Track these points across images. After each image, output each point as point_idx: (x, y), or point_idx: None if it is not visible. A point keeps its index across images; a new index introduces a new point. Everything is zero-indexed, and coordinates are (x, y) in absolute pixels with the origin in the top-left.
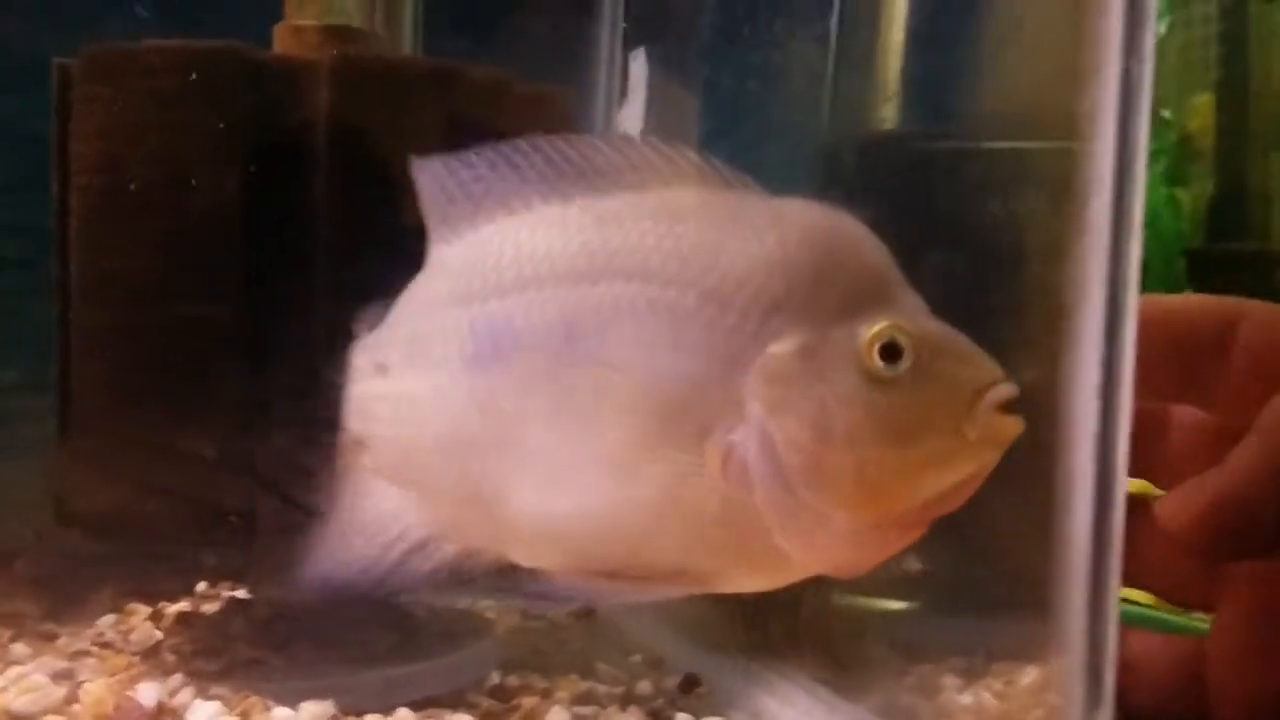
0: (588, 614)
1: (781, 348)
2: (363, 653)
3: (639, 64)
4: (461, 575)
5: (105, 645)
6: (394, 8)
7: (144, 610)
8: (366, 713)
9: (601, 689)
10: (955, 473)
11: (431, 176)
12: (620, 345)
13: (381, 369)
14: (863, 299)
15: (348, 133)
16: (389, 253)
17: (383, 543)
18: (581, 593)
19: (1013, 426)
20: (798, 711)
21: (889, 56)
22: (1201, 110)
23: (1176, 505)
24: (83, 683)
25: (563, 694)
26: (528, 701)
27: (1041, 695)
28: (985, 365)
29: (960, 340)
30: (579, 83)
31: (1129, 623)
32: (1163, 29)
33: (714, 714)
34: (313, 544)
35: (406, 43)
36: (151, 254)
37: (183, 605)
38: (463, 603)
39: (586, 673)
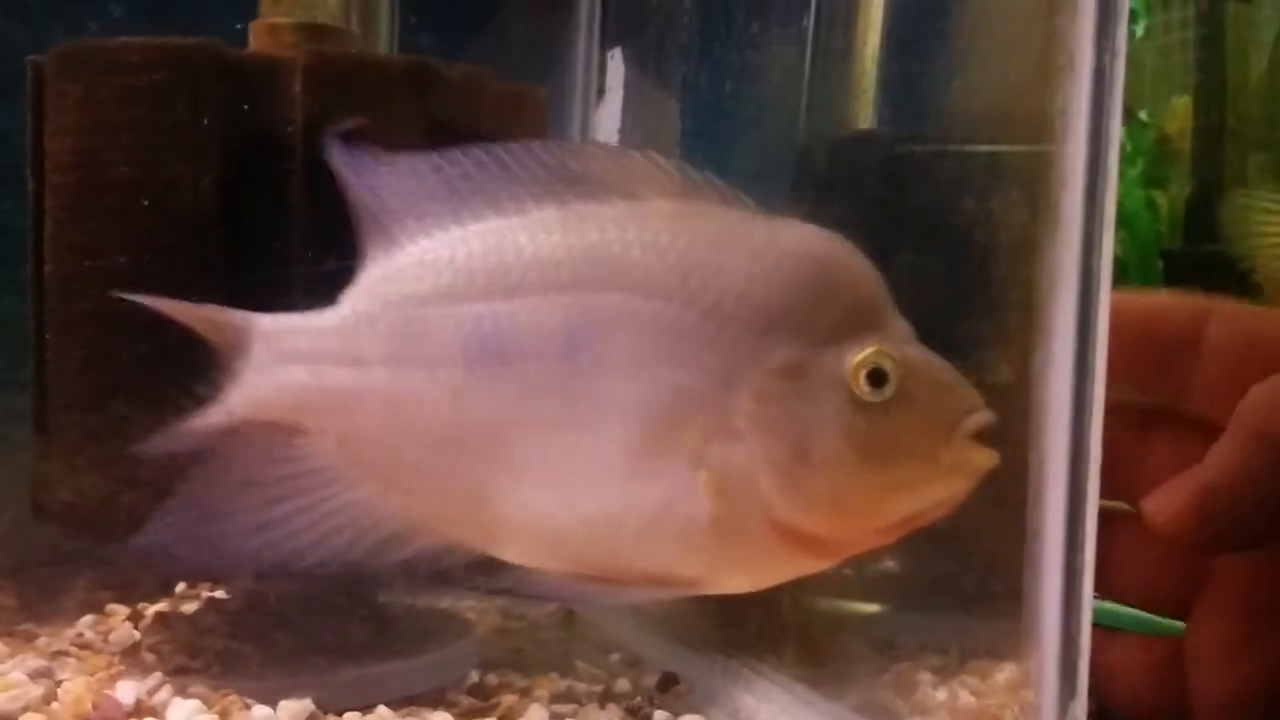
0: (567, 614)
1: (774, 367)
2: (342, 650)
3: (616, 63)
4: (436, 568)
5: (84, 646)
6: (370, 6)
7: (123, 611)
8: (346, 710)
9: (580, 687)
10: (929, 497)
11: (409, 171)
12: (620, 357)
13: (354, 360)
14: (853, 323)
15: (323, 130)
16: None
17: (353, 532)
18: (567, 593)
19: (987, 457)
20: (776, 709)
21: (865, 57)
22: (1179, 112)
23: (1162, 501)
24: (62, 681)
25: (542, 692)
26: (507, 700)
27: (1017, 691)
28: (964, 393)
29: (942, 367)
30: (556, 82)
31: (1107, 626)
32: (1140, 31)
33: (692, 712)
34: (275, 530)
35: (382, 41)
36: (127, 251)
37: (161, 606)
38: (443, 602)
39: (565, 671)
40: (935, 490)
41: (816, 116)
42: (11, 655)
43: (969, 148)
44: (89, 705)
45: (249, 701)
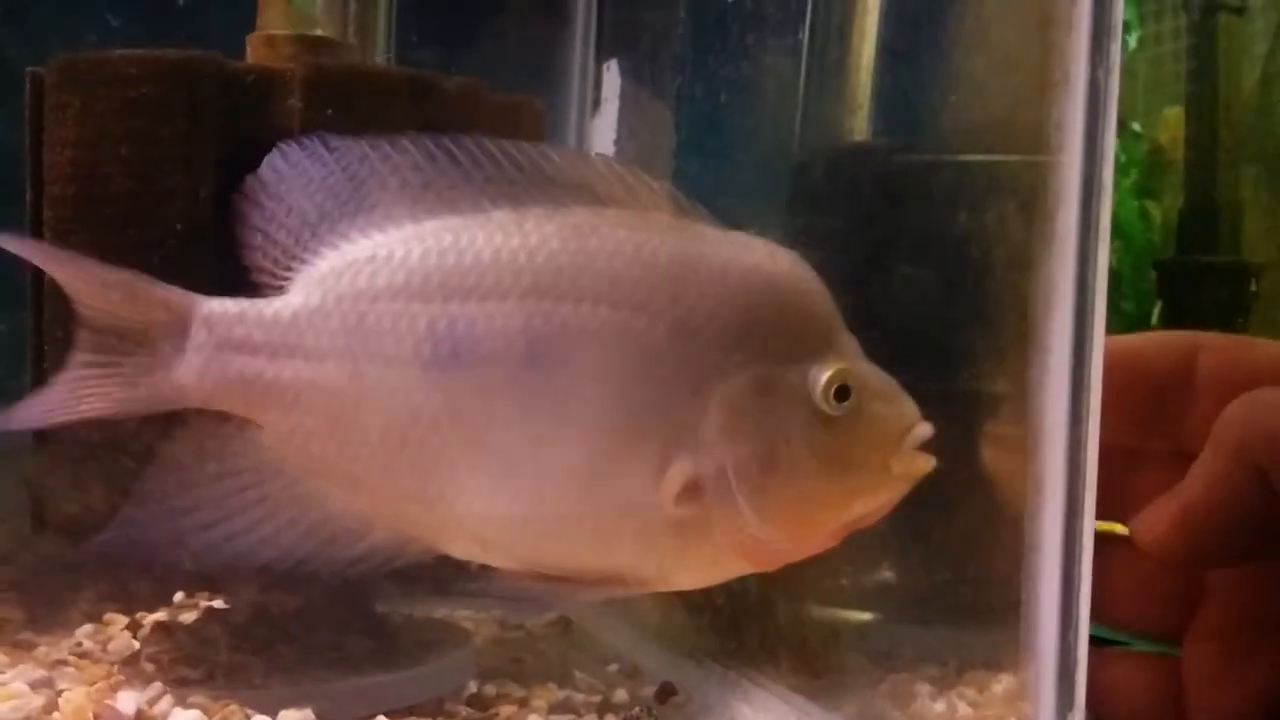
0: (565, 623)
1: (742, 382)
2: (341, 660)
3: (612, 75)
4: (388, 565)
5: (83, 655)
6: (367, 18)
7: (121, 620)
8: None
9: (579, 697)
10: (878, 501)
11: (360, 159)
12: (585, 365)
13: (304, 354)
14: (813, 340)
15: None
16: None
17: (303, 527)
18: (524, 591)
19: (927, 463)
20: (773, 719)
21: (860, 69)
22: (1172, 123)
23: (1147, 521)
24: (62, 691)
25: (540, 702)
26: (505, 710)
27: (1014, 702)
28: (909, 407)
29: (888, 382)
30: (552, 93)
31: (1104, 644)
32: (1133, 43)
33: None
34: (224, 527)
35: (379, 53)
36: (125, 262)
37: (160, 615)
38: (440, 611)
39: (564, 681)
40: (884, 496)
41: (811, 128)
42: (11, 665)
43: (963, 159)
44: (90, 715)
45: (249, 712)
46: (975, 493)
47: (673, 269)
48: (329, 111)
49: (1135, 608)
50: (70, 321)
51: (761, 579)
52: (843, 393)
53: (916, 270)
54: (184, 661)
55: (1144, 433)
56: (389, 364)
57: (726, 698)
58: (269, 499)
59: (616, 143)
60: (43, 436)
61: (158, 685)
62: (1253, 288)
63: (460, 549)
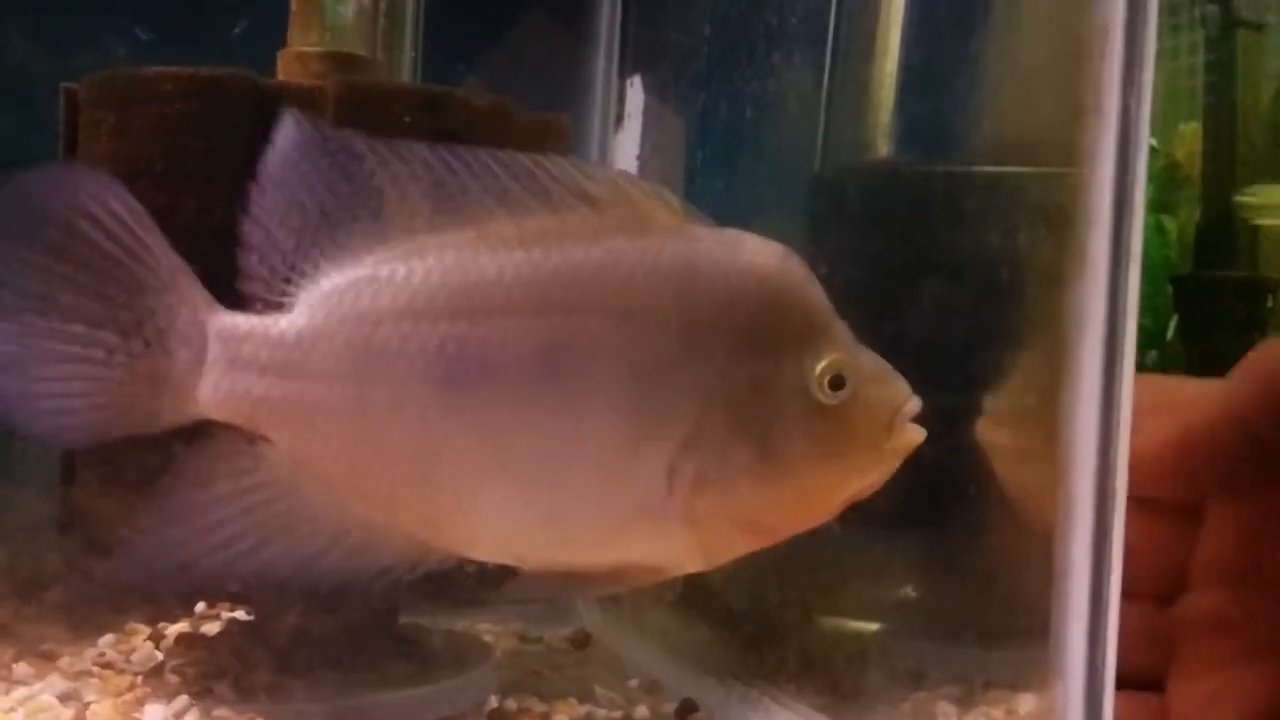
0: (585, 638)
1: (743, 379)
2: (361, 675)
3: (635, 91)
4: (409, 574)
5: (107, 665)
6: (394, 35)
7: (144, 630)
8: None
9: (600, 713)
10: (875, 477)
11: (358, 170)
12: (598, 377)
13: (313, 375)
14: (808, 333)
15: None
16: None
17: (322, 541)
18: (542, 589)
19: (918, 436)
20: None
21: (883, 86)
22: (1188, 138)
23: (1142, 444)
24: (90, 704)
25: (561, 718)
26: None
27: None
28: (899, 385)
29: (879, 363)
30: (576, 110)
31: None
32: None
33: None
34: (241, 544)
35: (405, 70)
36: None
37: (182, 626)
38: (460, 624)
39: (584, 697)
40: (880, 472)
41: (834, 145)
42: (37, 676)
43: (989, 174)
44: None
45: None
46: (1003, 510)
47: (674, 273)
48: (361, 129)
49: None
50: None
51: (785, 597)
52: (837, 381)
53: (941, 288)
54: (209, 674)
55: None
56: (400, 384)
57: (748, 715)
58: (283, 515)
59: (639, 159)
60: (79, 456)
61: (184, 698)
62: (1269, 303)
63: (478, 553)
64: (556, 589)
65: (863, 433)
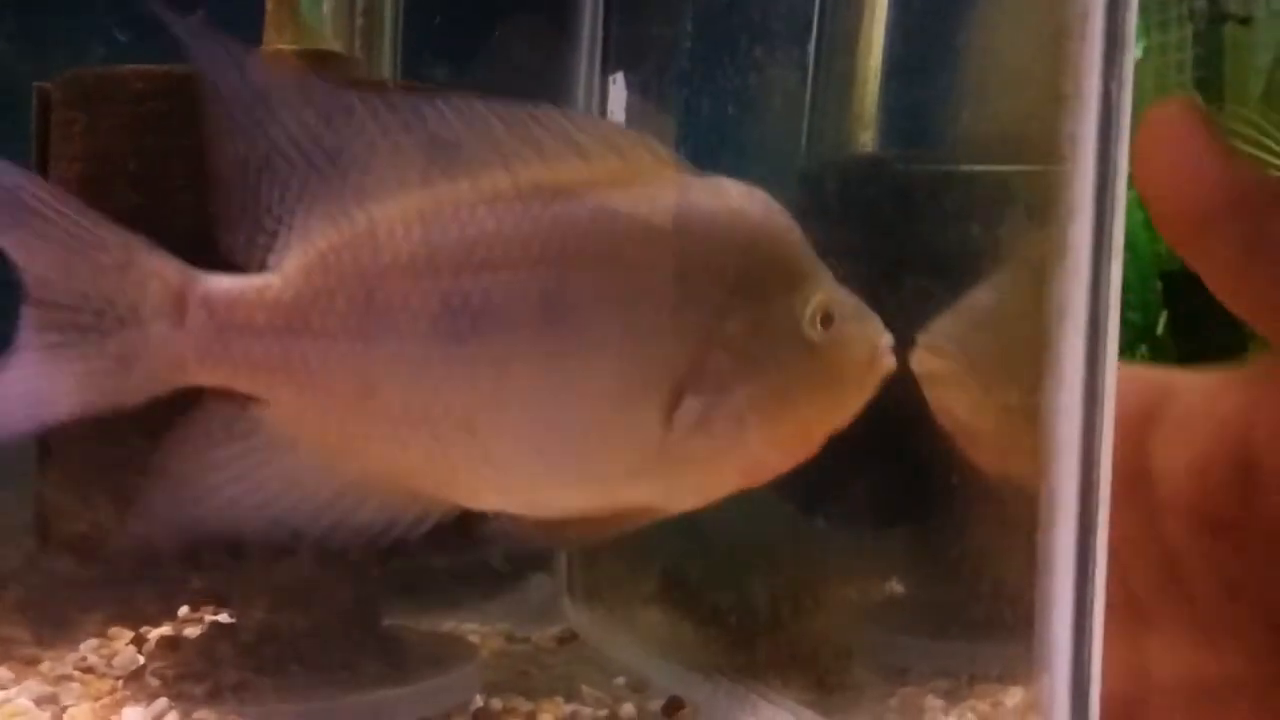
0: (571, 636)
1: (736, 320)
2: (347, 676)
3: (618, 88)
4: (415, 530)
5: (88, 670)
6: (373, 33)
7: (126, 634)
8: None
9: (586, 712)
10: (856, 407)
11: (345, 120)
12: (598, 326)
13: (313, 334)
14: (795, 273)
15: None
16: None
17: (325, 497)
18: (545, 537)
19: (891, 364)
20: None
21: (867, 80)
22: None
23: None
24: (67, 708)
25: (547, 717)
26: None
27: (1026, 716)
28: (876, 321)
29: (857, 301)
30: (558, 106)
31: None
32: (1139, 53)
33: None
34: (247, 504)
35: (385, 68)
36: None
37: (165, 629)
38: (446, 624)
39: (570, 695)
40: (860, 401)
41: (818, 140)
42: (16, 680)
43: (973, 170)
44: None
45: None
46: (987, 504)
47: (666, 222)
48: None
49: None
50: None
51: (771, 593)
52: (826, 319)
53: (924, 281)
54: (189, 677)
55: None
56: (404, 341)
57: (735, 712)
58: (284, 475)
59: None
60: (48, 453)
61: (163, 701)
62: None
63: (483, 504)
64: (554, 537)
65: (848, 367)
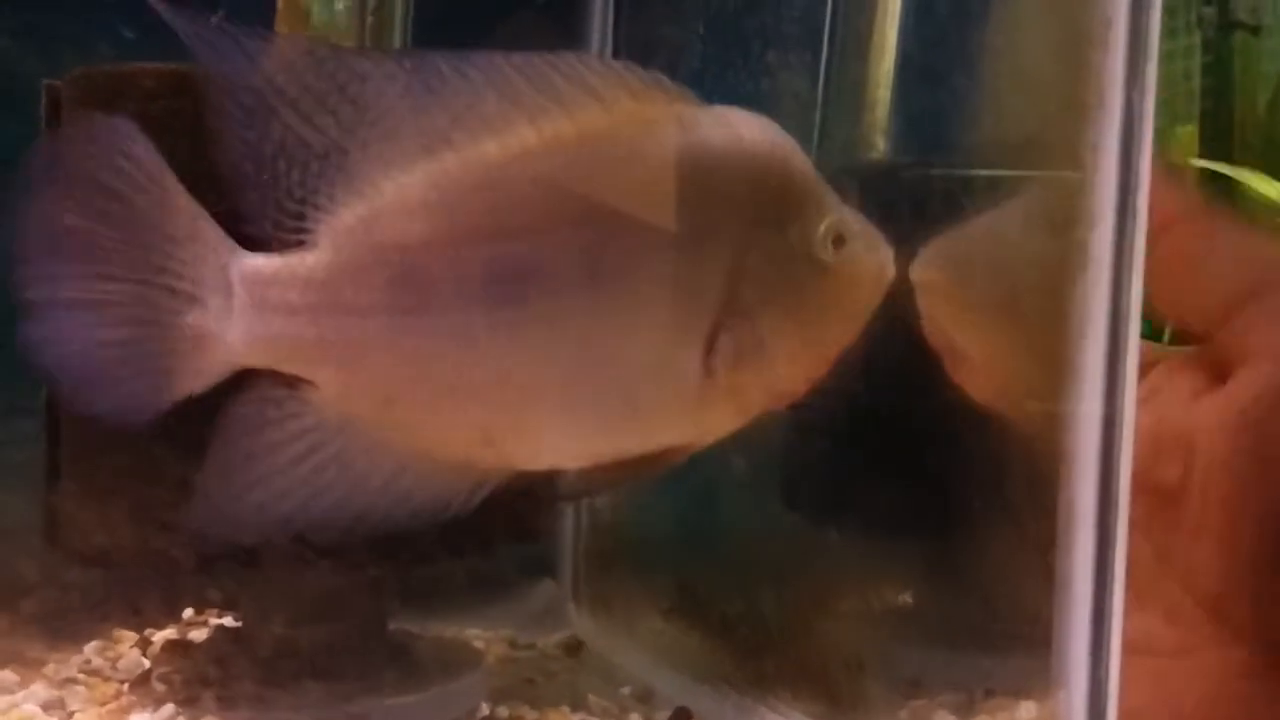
0: (577, 644)
1: (758, 250)
2: (353, 681)
3: None
4: (470, 503)
5: (93, 672)
6: (382, 31)
7: (131, 637)
8: None
9: None
10: (861, 326)
11: (353, 79)
12: (636, 277)
13: (352, 312)
14: (806, 198)
15: None
16: None
17: (379, 481)
18: (594, 484)
19: (893, 271)
20: None
21: (879, 85)
22: (1185, 141)
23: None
24: (74, 713)
25: None
26: None
27: None
28: (880, 237)
29: (862, 219)
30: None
31: None
32: None
33: None
34: (301, 492)
35: None
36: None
37: (169, 632)
38: (449, 630)
39: (577, 704)
40: (865, 320)
41: (829, 145)
42: (22, 684)
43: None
44: None
45: None
46: (1004, 516)
47: (686, 160)
48: None
49: None
50: None
51: (781, 604)
52: (839, 240)
53: None
54: (196, 682)
55: None
56: (444, 311)
57: None
58: (337, 457)
59: None
60: (58, 462)
61: (170, 706)
62: None
63: (533, 464)
64: (602, 483)
65: (860, 284)
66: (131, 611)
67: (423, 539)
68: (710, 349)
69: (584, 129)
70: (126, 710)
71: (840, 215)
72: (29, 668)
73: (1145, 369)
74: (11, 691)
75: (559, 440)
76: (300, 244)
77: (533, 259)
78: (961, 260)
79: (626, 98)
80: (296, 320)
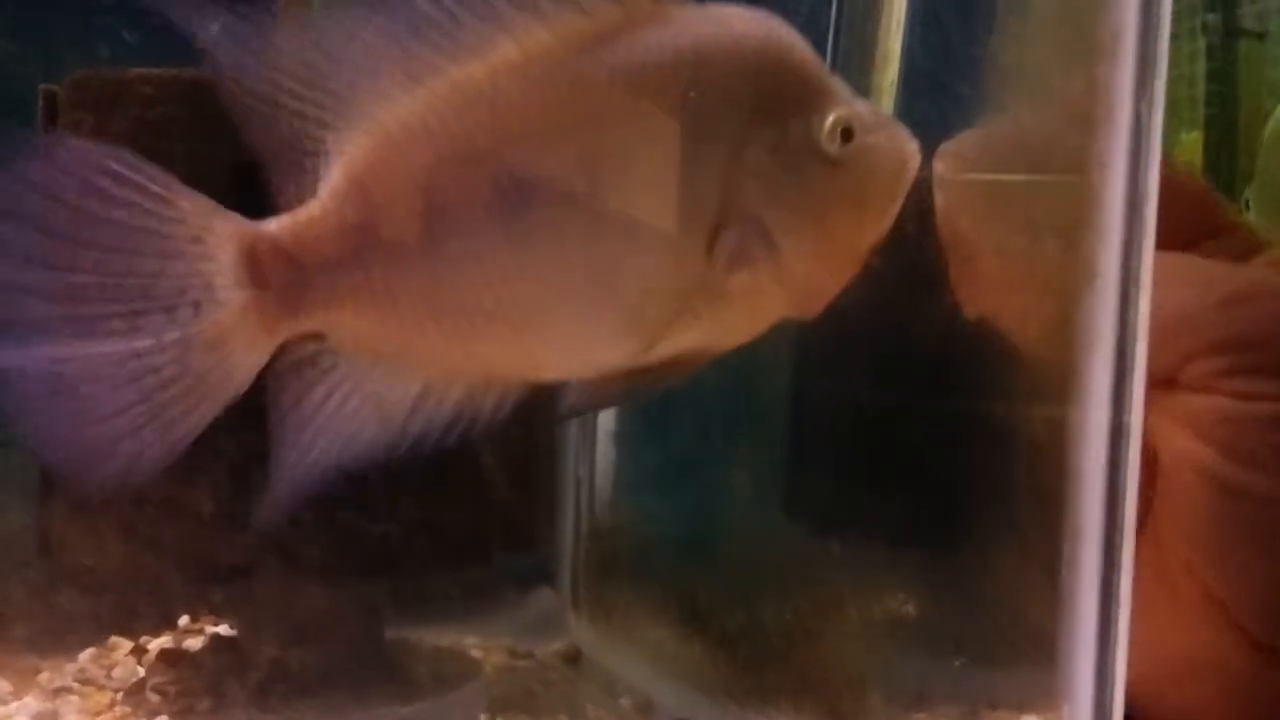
0: (576, 654)
1: (759, 147)
2: (351, 692)
3: None
4: (498, 416)
5: (87, 681)
6: None
7: (125, 645)
8: None
9: None
10: (884, 226)
11: (340, 32)
12: (639, 176)
13: (375, 255)
14: (809, 92)
15: None
16: None
17: (415, 409)
18: (608, 395)
19: (917, 160)
20: None
21: (883, 96)
22: (1189, 147)
23: None
24: None
25: None
26: None
27: None
28: (900, 130)
29: (878, 111)
30: None
31: None
32: None
33: None
34: (351, 444)
35: None
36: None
37: (164, 640)
38: (446, 639)
39: (575, 714)
40: (895, 207)
41: None
42: (15, 694)
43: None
44: None
45: None
46: (1009, 530)
47: (678, 61)
48: None
49: None
50: None
51: (785, 614)
52: (846, 134)
53: (945, 298)
54: (191, 694)
55: None
56: (464, 231)
57: None
58: (373, 397)
59: None
60: (53, 482)
61: (164, 718)
62: None
63: (552, 373)
64: (616, 394)
65: (874, 179)
66: (127, 617)
67: (419, 551)
68: (712, 249)
69: (567, 37)
70: None
71: (850, 109)
72: (23, 675)
73: None
74: (5, 703)
75: (573, 349)
76: (310, 196)
77: (533, 170)
78: (984, 157)
79: (608, 3)
80: (335, 271)
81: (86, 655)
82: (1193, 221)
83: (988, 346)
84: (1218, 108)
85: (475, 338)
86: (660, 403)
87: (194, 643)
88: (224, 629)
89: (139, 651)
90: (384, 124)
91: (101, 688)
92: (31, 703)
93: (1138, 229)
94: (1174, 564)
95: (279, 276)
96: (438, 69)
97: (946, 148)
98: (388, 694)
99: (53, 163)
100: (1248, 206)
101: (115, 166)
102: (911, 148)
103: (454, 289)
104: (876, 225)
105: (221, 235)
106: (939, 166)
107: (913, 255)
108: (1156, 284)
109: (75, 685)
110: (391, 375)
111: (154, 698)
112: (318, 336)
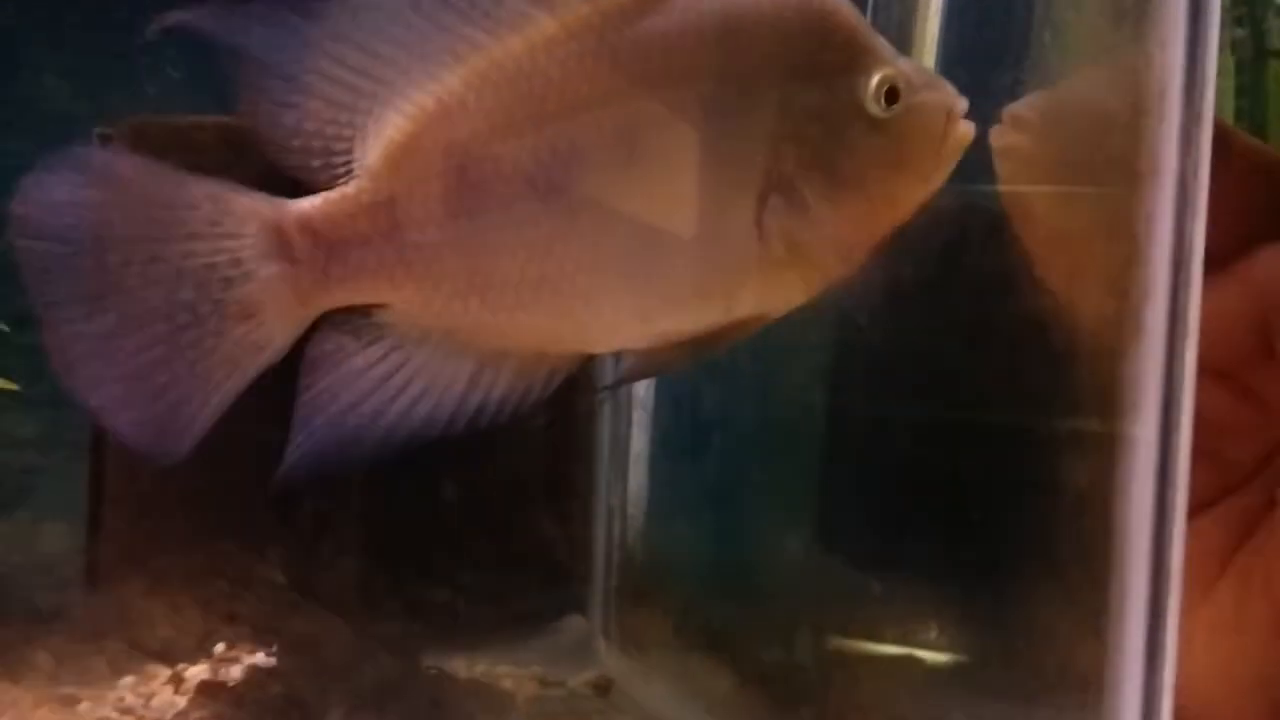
0: (607, 685)
1: (801, 111)
2: None
3: None
4: (547, 391)
5: (126, 711)
6: None
7: (164, 673)
8: None
9: None
10: (934, 184)
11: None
12: (681, 146)
13: (419, 230)
14: (853, 52)
15: None
16: None
17: (463, 387)
18: (659, 364)
19: (970, 132)
20: None
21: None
22: None
23: None
24: None
25: None
26: None
27: None
28: (948, 88)
29: (924, 70)
30: None
31: None
32: None
33: None
34: (386, 414)
35: None
36: None
37: (202, 669)
38: (478, 668)
39: None
40: (938, 177)
41: None
42: None
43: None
44: None
45: None
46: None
47: (716, 27)
48: None
49: None
50: None
51: (820, 650)
52: (891, 95)
53: (971, 311)
54: None
55: None
56: (507, 207)
57: None
58: (421, 371)
59: None
60: (102, 492)
61: None
62: None
63: (604, 346)
64: (669, 362)
65: (922, 139)
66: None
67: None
68: (761, 214)
69: (606, 8)
70: None
71: (895, 68)
72: (64, 706)
73: None
74: None
75: (624, 322)
76: (349, 174)
77: (574, 143)
78: (1050, 123)
79: None
80: (368, 248)
81: (126, 684)
82: None
83: (1038, 376)
84: (1248, 124)
85: (522, 309)
86: (695, 431)
87: (233, 672)
88: (260, 657)
89: (176, 680)
90: (422, 103)
91: (141, 718)
92: None
93: (1184, 286)
94: None
95: (307, 251)
96: (477, 45)
97: (1008, 114)
98: None
99: (88, 174)
100: None
101: (131, 171)
102: (961, 105)
103: (497, 262)
104: (926, 185)
105: (241, 214)
106: (998, 137)
107: (958, 288)
108: None
109: (115, 716)
110: (443, 350)
111: None
112: (364, 310)
